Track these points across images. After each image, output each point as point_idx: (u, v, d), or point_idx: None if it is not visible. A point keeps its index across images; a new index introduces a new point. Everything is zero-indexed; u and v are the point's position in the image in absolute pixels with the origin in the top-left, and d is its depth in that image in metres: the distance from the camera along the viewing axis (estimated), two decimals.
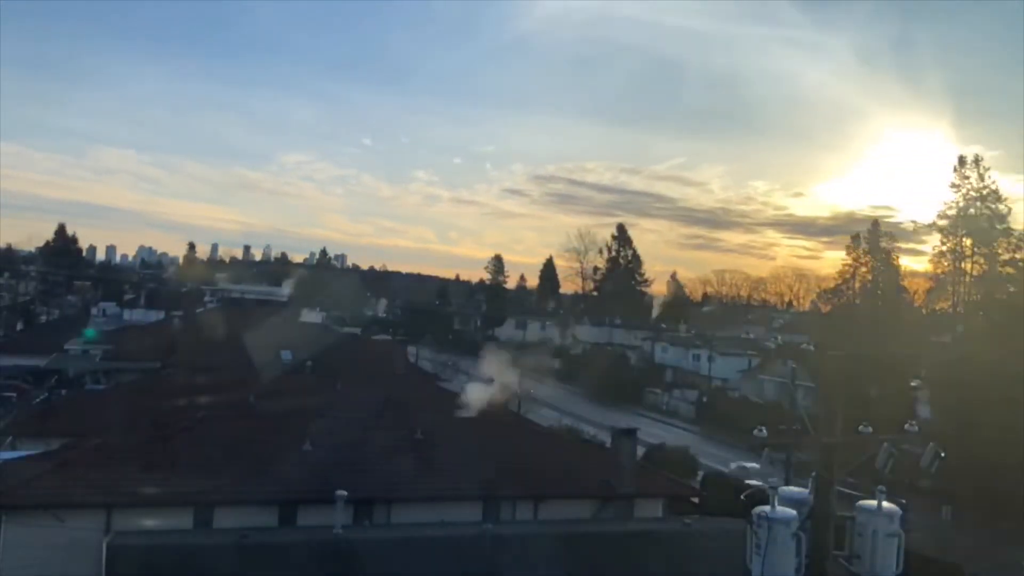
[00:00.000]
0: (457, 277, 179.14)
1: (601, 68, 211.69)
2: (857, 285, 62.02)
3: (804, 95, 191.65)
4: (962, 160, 56.54)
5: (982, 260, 55.15)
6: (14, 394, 44.63)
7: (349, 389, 32.10)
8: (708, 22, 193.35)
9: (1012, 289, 50.45)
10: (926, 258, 60.85)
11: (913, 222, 66.31)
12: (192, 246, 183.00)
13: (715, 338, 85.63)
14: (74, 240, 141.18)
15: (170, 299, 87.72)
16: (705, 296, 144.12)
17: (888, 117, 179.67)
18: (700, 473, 39.03)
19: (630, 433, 26.70)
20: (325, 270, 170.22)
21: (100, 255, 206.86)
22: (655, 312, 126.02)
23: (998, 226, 54.65)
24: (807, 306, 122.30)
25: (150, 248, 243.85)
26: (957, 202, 55.74)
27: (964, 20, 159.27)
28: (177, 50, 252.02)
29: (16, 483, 19.80)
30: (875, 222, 64.09)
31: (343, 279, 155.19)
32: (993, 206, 55.09)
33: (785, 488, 10.28)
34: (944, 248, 56.63)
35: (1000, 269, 53.72)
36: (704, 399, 68.47)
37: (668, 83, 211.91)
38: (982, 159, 56.30)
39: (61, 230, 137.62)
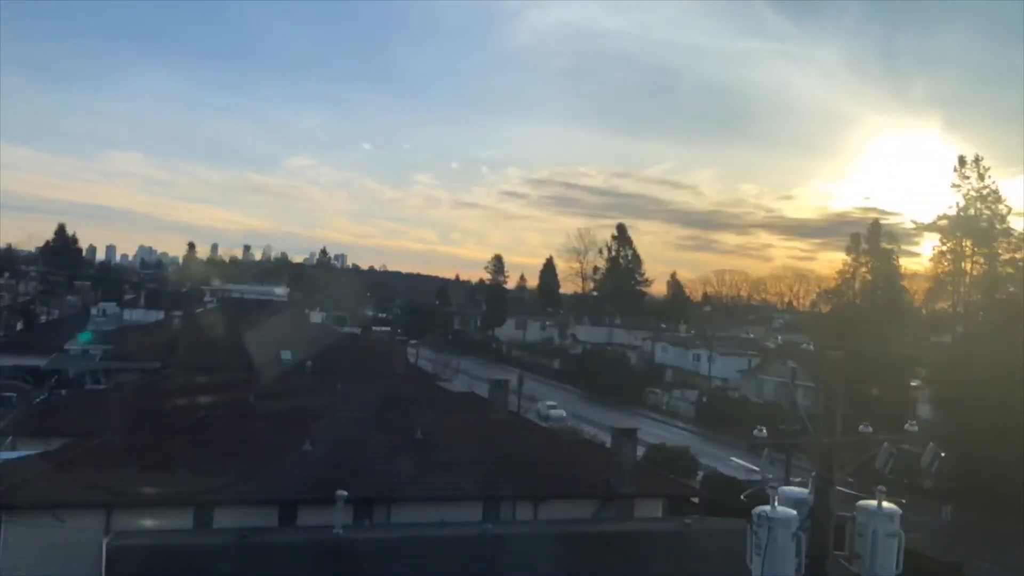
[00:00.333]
0: (457, 277, 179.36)
1: (593, 77, 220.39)
2: (857, 285, 61.93)
3: (790, 101, 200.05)
4: (962, 160, 56.51)
5: (982, 260, 55.09)
6: (14, 394, 44.62)
7: (349, 389, 32.15)
8: (699, 34, 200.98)
9: (1012, 289, 50.42)
10: (926, 258, 60.84)
11: (913, 222, 66.33)
12: (192, 246, 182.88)
13: (715, 338, 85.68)
14: (74, 240, 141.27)
15: (170, 299, 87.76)
16: (705, 296, 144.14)
17: (874, 121, 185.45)
18: (700, 473, 39.04)
19: (630, 433, 26.70)
20: (325, 270, 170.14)
21: (100, 255, 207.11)
22: (655, 312, 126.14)
23: (998, 226, 54.60)
24: (807, 306, 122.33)
25: (150, 248, 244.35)
26: (957, 202, 55.85)
27: (946, 29, 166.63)
28: (184, 57, 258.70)
29: (16, 483, 19.80)
30: (875, 222, 64.05)
31: (343, 279, 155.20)
32: (993, 206, 55.06)
33: (785, 488, 10.27)
34: (944, 248, 56.59)
35: (1000, 269, 53.68)
36: (704, 399, 68.47)
37: (658, 90, 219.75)
38: (982, 159, 56.28)
39: (61, 230, 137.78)
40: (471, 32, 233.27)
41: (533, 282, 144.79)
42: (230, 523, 19.53)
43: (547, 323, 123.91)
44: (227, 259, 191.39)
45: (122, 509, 19.50)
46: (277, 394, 30.34)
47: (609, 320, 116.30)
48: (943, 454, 10.85)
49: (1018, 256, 53.47)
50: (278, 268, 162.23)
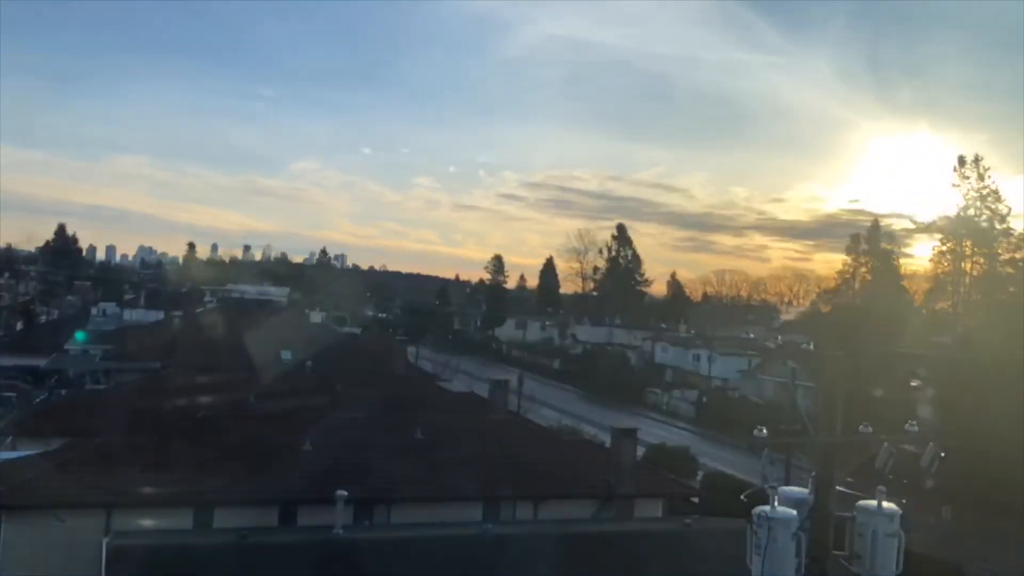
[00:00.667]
0: (457, 277, 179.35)
1: (586, 84, 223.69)
2: (857, 285, 61.99)
3: (778, 107, 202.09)
4: (962, 160, 56.53)
5: (982, 260, 55.11)
6: (14, 394, 44.60)
7: (349, 389, 32.15)
8: (690, 44, 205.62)
9: (1012, 289, 50.46)
10: (925, 259, 60.88)
11: (913, 222, 66.48)
12: (192, 246, 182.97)
13: (715, 338, 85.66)
14: (74, 240, 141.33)
15: (170, 299, 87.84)
16: (705, 296, 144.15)
17: (861, 125, 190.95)
18: (700, 473, 39.04)
19: (630, 433, 26.70)
20: (325, 270, 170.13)
21: (100, 255, 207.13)
22: (655, 312, 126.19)
23: (998, 226, 54.65)
24: (807, 306, 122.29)
25: (150, 248, 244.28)
26: (957, 203, 55.87)
27: (929, 36, 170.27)
28: (191, 64, 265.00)
29: (16, 483, 19.81)
30: (875, 223, 64.16)
31: (343, 279, 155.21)
32: (993, 206, 55.08)
33: (785, 488, 10.27)
34: (944, 248, 56.61)
35: (1000, 269, 53.71)
36: (704, 399, 68.46)
37: (649, 97, 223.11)
38: (982, 159, 56.28)
39: (61, 230, 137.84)
40: (469, 42, 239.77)
41: (533, 282, 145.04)
42: (230, 523, 19.52)
43: (547, 323, 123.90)
44: (227, 259, 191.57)
45: (122, 509, 19.50)
46: (277, 394, 30.35)
47: (609, 320, 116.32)
48: (943, 454, 10.83)
49: (1018, 256, 53.53)
50: (277, 268, 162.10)
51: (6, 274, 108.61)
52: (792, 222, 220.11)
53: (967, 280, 55.54)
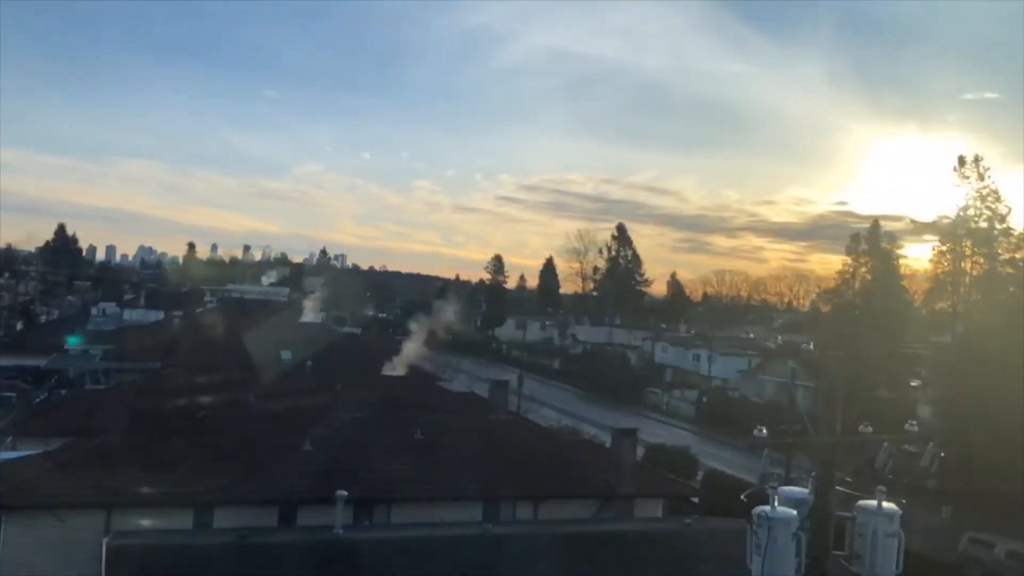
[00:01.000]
0: (457, 277, 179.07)
1: (579, 92, 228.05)
2: (857, 285, 61.92)
3: (767, 112, 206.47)
4: (962, 160, 56.46)
5: (982, 260, 55.05)
6: (14, 394, 44.60)
7: (349, 389, 32.15)
8: (681, 53, 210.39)
9: (1012, 289, 50.40)
10: (924, 259, 60.87)
11: (913, 222, 66.43)
12: (192, 246, 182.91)
13: (715, 338, 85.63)
14: (74, 240, 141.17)
15: (170, 299, 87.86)
16: (705, 296, 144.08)
17: (848, 128, 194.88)
18: (700, 473, 39.03)
19: (630, 433, 26.70)
20: (325, 270, 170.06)
21: (100, 255, 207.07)
22: (655, 312, 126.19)
23: (998, 226, 54.57)
24: (807, 306, 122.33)
25: (150, 248, 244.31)
26: (957, 202, 55.80)
27: (914, 41, 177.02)
28: (197, 69, 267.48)
29: (16, 483, 19.81)
30: (875, 222, 64.02)
31: (343, 279, 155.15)
32: (993, 206, 55.00)
33: (785, 488, 10.27)
34: (944, 248, 56.53)
35: (1000, 269, 53.65)
36: (704, 399, 68.43)
37: (641, 103, 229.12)
38: (982, 159, 56.20)
39: (61, 230, 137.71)
40: (467, 51, 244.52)
41: (533, 282, 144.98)
42: (230, 523, 19.53)
43: (547, 323, 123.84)
44: (227, 259, 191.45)
45: (122, 509, 19.52)
46: (277, 394, 30.37)
47: (609, 320, 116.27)
48: (943, 454, 10.84)
49: (1018, 256, 53.45)
50: (276, 267, 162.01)
51: (6, 274, 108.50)
52: (784, 224, 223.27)
53: (967, 280, 55.45)
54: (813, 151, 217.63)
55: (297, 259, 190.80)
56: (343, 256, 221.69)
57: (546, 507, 23.22)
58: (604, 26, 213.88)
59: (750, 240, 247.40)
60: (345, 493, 18.60)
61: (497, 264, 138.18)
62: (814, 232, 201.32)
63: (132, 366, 46.17)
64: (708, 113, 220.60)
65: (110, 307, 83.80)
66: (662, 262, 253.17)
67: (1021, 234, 54.22)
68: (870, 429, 10.58)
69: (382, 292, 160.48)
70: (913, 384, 55.06)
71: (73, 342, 54.69)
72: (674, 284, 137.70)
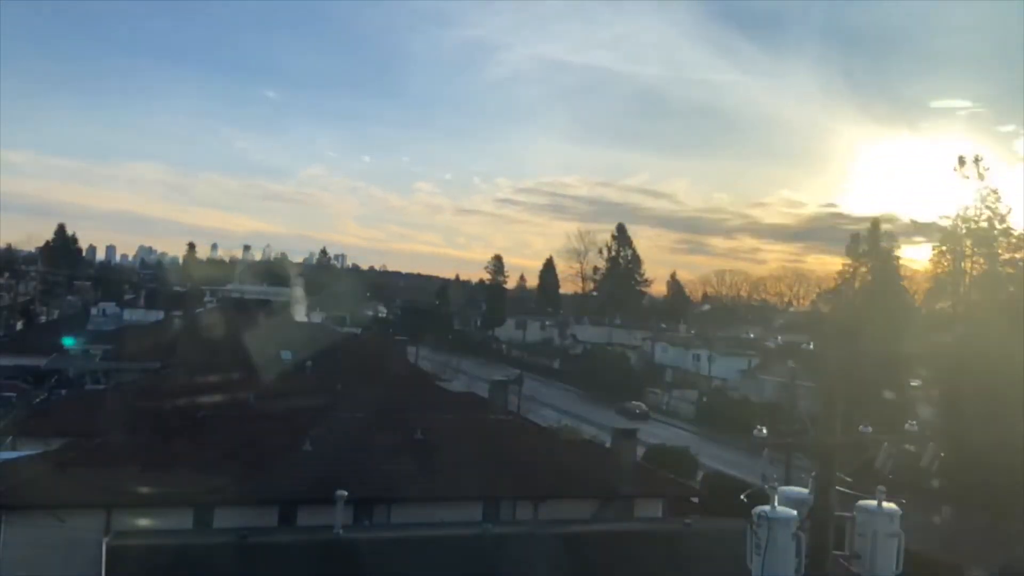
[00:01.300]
0: (457, 277, 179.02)
1: (573, 99, 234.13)
2: (857, 285, 61.89)
3: (758, 116, 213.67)
4: (962, 160, 56.47)
5: (982, 260, 55.02)
6: (14, 394, 44.60)
7: (349, 389, 32.14)
8: (673, 62, 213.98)
9: (1012, 289, 50.37)
10: (926, 258, 60.77)
11: (912, 222, 66.27)
12: (192, 246, 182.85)
13: (715, 338, 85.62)
14: (74, 240, 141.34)
15: (170, 299, 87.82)
16: (704, 296, 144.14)
17: (839, 131, 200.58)
18: (700, 473, 39.03)
19: (630, 433, 26.71)
20: (325, 270, 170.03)
21: (100, 255, 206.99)
22: (655, 312, 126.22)
23: (998, 226, 54.53)
24: (807, 306, 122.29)
25: (150, 248, 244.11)
26: (957, 202, 55.75)
27: (901, 46, 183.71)
28: (203, 74, 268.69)
29: (16, 483, 19.81)
30: (874, 222, 63.96)
31: (343, 279, 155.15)
32: (993, 206, 55.00)
33: (785, 488, 10.26)
34: (944, 248, 56.51)
35: (1000, 269, 53.61)
36: (704, 399, 68.45)
37: (633, 110, 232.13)
38: (981, 159, 56.15)
39: (61, 230, 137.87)
40: (463, 61, 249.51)
41: (533, 282, 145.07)
42: (230, 523, 19.54)
43: (547, 323, 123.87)
44: (227, 259, 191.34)
45: (122, 509, 19.52)
46: (277, 394, 30.36)
47: (609, 320, 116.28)
48: (942, 454, 10.84)
49: (1018, 256, 53.41)
50: (277, 268, 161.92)
51: (6, 274, 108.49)
52: (777, 225, 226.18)
53: (967, 280, 55.41)
54: (802, 154, 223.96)
55: (298, 259, 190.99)
56: (343, 256, 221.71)
57: (546, 507, 23.22)
58: (596, 37, 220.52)
59: (746, 241, 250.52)
60: (345, 493, 18.60)
61: (497, 264, 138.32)
62: (807, 234, 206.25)
63: (132, 366, 46.16)
64: (698, 117, 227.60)
65: (110, 307, 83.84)
66: (661, 263, 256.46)
67: (1021, 234, 54.20)
68: (870, 429, 10.58)
69: (382, 292, 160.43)
70: (913, 384, 55.01)
71: (69, 343, 54.68)
72: (674, 284, 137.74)
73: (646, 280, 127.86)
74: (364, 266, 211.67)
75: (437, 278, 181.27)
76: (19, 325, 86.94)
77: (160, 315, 70.01)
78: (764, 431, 10.41)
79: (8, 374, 50.10)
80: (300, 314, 76.27)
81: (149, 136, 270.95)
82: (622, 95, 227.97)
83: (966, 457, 37.66)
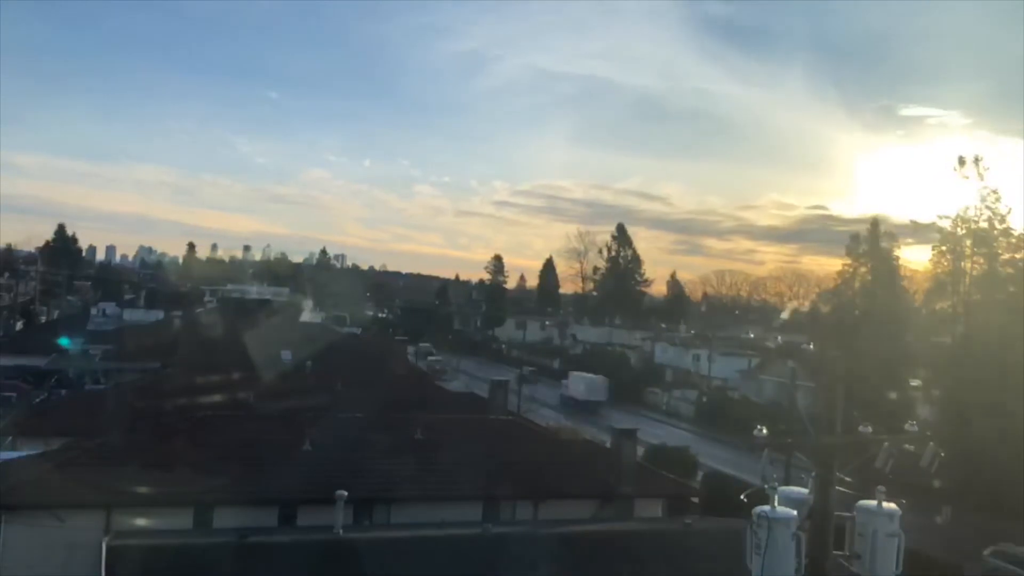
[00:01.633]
0: (457, 277, 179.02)
1: (567, 105, 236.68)
2: (857, 285, 61.80)
3: (748, 121, 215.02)
4: (962, 160, 56.42)
5: (982, 260, 54.94)
6: (14, 394, 44.62)
7: (349, 389, 32.15)
8: (663, 72, 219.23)
9: (1012, 289, 50.33)
10: (926, 259, 60.64)
11: (913, 222, 66.19)
12: (192, 246, 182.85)
13: (715, 338, 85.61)
14: (74, 240, 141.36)
15: (170, 299, 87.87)
16: (704, 295, 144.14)
17: (823, 137, 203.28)
18: (700, 473, 39.02)
19: (630, 433, 26.70)
20: (325, 270, 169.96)
21: (100, 255, 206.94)
22: (655, 312, 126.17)
23: (998, 226, 54.45)
24: (807, 306, 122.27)
25: (150, 248, 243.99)
26: (957, 203, 55.68)
27: (882, 57, 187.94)
28: (209, 78, 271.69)
29: (16, 483, 19.81)
30: (874, 222, 63.81)
31: (343, 279, 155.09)
32: (993, 206, 54.92)
33: (785, 488, 10.26)
34: (944, 248, 56.44)
35: (1000, 269, 53.55)
36: (704, 399, 68.44)
37: (625, 116, 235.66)
38: (981, 159, 56.08)
39: (61, 230, 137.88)
40: (459, 70, 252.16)
41: (533, 282, 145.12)
42: (230, 523, 19.54)
43: (547, 323, 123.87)
44: (227, 259, 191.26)
45: (122, 509, 19.51)
46: (277, 394, 30.37)
47: (609, 320, 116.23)
48: (942, 454, 10.82)
49: (1018, 256, 53.32)
50: (277, 267, 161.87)
51: (6, 274, 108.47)
52: (770, 227, 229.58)
53: (967, 280, 55.33)
54: (790, 158, 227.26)
55: (297, 259, 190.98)
56: (343, 256, 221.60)
57: (546, 507, 23.21)
58: (588, 48, 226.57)
59: (741, 243, 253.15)
60: (345, 493, 18.59)
61: (497, 264, 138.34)
62: (798, 235, 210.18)
63: (132, 366, 46.21)
64: (689, 122, 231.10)
65: (110, 307, 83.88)
66: (660, 263, 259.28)
67: (1021, 234, 54.12)
68: (870, 429, 10.57)
69: (382, 292, 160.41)
70: (913, 384, 54.98)
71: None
72: (674, 284, 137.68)
73: (646, 280, 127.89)
74: (364, 266, 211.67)
75: (437, 278, 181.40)
76: (19, 325, 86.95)
77: (160, 315, 70.08)
78: (764, 431, 10.41)
79: (8, 374, 50.12)
80: (308, 313, 77.00)
81: (154, 139, 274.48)
82: (615, 102, 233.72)
83: (967, 456, 37.70)
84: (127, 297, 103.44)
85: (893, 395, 49.92)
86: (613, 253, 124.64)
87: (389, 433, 24.90)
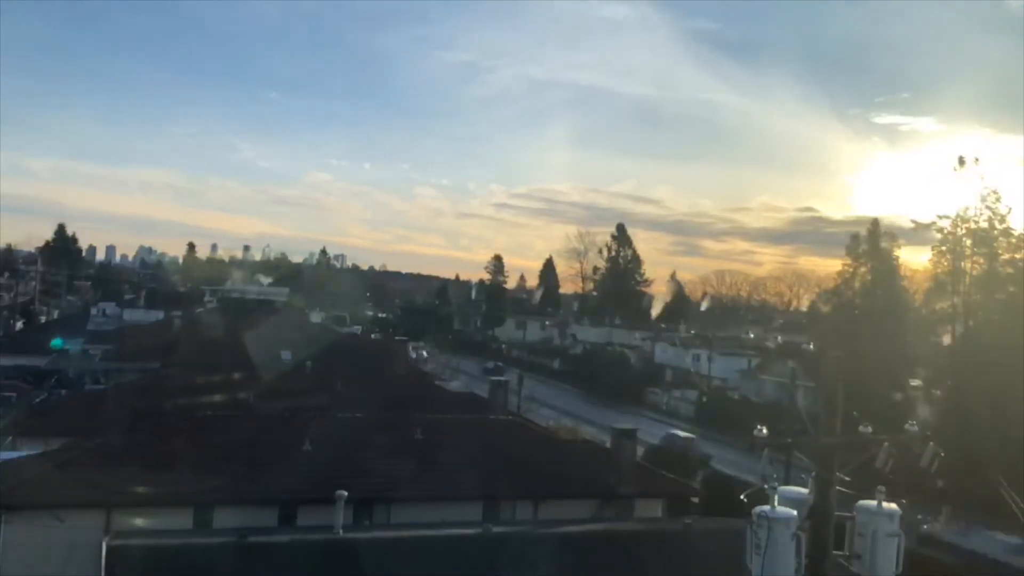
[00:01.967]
0: (457, 277, 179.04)
1: (562, 111, 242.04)
2: (857, 285, 61.78)
3: (738, 126, 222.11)
4: (961, 160, 56.39)
5: (982, 260, 54.92)
6: (14, 394, 44.60)
7: (349, 389, 32.16)
8: (656, 82, 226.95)
9: (1012, 289, 50.35)
10: (927, 259, 60.61)
11: (913, 222, 66.07)
12: (192, 246, 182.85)
13: (715, 338, 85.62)
14: (74, 240, 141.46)
15: (170, 299, 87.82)
16: (704, 295, 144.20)
17: (811, 140, 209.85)
18: (700, 473, 39.01)
19: (630, 433, 26.70)
20: (325, 270, 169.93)
21: (100, 255, 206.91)
22: (655, 312, 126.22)
23: (998, 226, 54.43)
24: (807, 306, 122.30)
25: (150, 248, 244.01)
26: (957, 203, 55.63)
27: (869, 62, 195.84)
28: (212, 81, 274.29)
29: (16, 483, 19.80)
30: (875, 222, 63.71)
31: (343, 279, 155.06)
32: (993, 206, 54.88)
33: (785, 488, 10.26)
34: (944, 248, 56.41)
35: (1000, 269, 53.54)
36: (704, 399, 68.43)
37: (618, 121, 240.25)
38: (980, 159, 56.05)
39: (61, 230, 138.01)
40: (454, 79, 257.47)
41: (533, 282, 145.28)
42: (230, 523, 19.53)
43: (547, 323, 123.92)
44: (227, 259, 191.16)
45: (122, 509, 19.50)
46: (277, 394, 30.37)
47: (609, 320, 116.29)
48: (942, 454, 10.82)
49: (1018, 256, 53.30)
50: (277, 267, 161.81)
51: (6, 274, 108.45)
52: (762, 229, 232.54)
53: (967, 280, 55.31)
54: (779, 161, 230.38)
55: (297, 259, 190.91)
56: (343, 256, 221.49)
57: (546, 507, 23.21)
58: (580, 59, 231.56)
59: (737, 244, 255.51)
60: (345, 493, 18.58)
61: (497, 264, 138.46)
62: (791, 236, 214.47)
63: (132, 366, 46.17)
64: (680, 127, 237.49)
65: (110, 307, 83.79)
66: (659, 264, 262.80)
67: (1021, 234, 54.10)
68: (870, 429, 10.57)
69: (382, 292, 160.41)
70: (913, 384, 54.99)
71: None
72: (674, 284, 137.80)
73: (646, 280, 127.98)
74: (364, 266, 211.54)
75: (437, 278, 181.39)
76: (19, 325, 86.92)
77: (160, 315, 70.01)
78: (764, 431, 10.41)
79: (8, 374, 50.09)
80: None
81: (157, 142, 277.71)
82: (607, 109, 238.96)
83: (967, 457, 37.73)
84: (127, 297, 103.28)
85: (893, 395, 49.94)
86: (613, 253, 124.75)
87: (389, 433, 24.89)
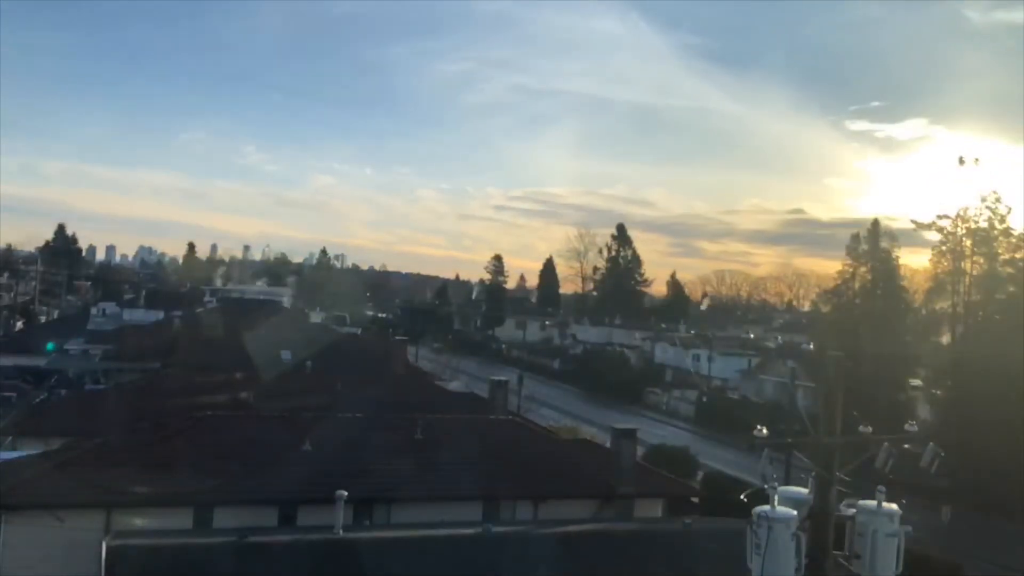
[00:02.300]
0: (457, 277, 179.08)
1: (557, 117, 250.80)
2: (857, 285, 61.76)
3: (731, 130, 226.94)
4: (961, 160, 56.39)
5: (982, 260, 54.90)
6: (14, 394, 44.61)
7: (349, 389, 32.16)
8: (646, 88, 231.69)
9: (1012, 289, 50.35)
10: (926, 259, 60.60)
11: (913, 222, 66.01)
12: (192, 246, 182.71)
13: (715, 338, 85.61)
14: (74, 240, 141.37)
15: (170, 299, 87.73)
16: (704, 295, 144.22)
17: (801, 143, 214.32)
18: (700, 473, 39.03)
19: (630, 433, 26.68)
20: (324, 270, 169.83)
21: (100, 255, 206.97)
22: (655, 312, 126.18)
23: (998, 226, 54.42)
24: (807, 306, 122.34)
25: (150, 248, 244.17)
26: (957, 203, 55.60)
27: (858, 66, 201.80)
28: (215, 85, 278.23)
29: (16, 483, 19.80)
30: (875, 222, 63.69)
31: (343, 279, 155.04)
32: (993, 206, 54.87)
33: (785, 488, 10.27)
34: (944, 248, 56.41)
35: (1000, 269, 53.52)
36: (704, 399, 68.42)
37: (611, 126, 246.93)
38: (980, 160, 56.04)
39: (61, 230, 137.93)
40: (450, 86, 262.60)
41: (533, 282, 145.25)
42: (230, 523, 19.54)
43: (547, 323, 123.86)
44: (227, 259, 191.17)
45: (122, 509, 19.50)
46: (277, 394, 30.38)
47: (609, 320, 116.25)
48: (942, 454, 10.83)
49: (1018, 256, 53.29)
50: (277, 267, 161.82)
51: (6, 274, 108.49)
52: (756, 231, 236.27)
53: (967, 280, 55.29)
54: (768, 164, 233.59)
55: (297, 259, 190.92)
56: (343, 256, 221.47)
57: (546, 507, 23.21)
58: (575, 67, 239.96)
59: (733, 245, 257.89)
60: (345, 493, 18.57)
61: (497, 264, 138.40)
62: (783, 238, 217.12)
63: (132, 366, 46.17)
64: (673, 131, 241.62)
65: (110, 307, 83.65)
66: (658, 265, 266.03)
67: (1021, 234, 54.08)
68: (870, 429, 10.58)
69: (382, 292, 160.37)
70: (913, 384, 54.97)
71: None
72: (674, 284, 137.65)
73: (646, 280, 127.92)
74: (364, 266, 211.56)
75: (437, 278, 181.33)
76: (19, 325, 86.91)
77: (160, 315, 69.96)
78: (764, 431, 10.42)
79: (8, 374, 50.11)
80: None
81: (164, 145, 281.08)
82: (601, 115, 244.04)
83: (967, 456, 37.74)
84: (127, 297, 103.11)
85: (893, 395, 49.94)
86: (613, 253, 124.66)
87: (389, 433, 24.90)
